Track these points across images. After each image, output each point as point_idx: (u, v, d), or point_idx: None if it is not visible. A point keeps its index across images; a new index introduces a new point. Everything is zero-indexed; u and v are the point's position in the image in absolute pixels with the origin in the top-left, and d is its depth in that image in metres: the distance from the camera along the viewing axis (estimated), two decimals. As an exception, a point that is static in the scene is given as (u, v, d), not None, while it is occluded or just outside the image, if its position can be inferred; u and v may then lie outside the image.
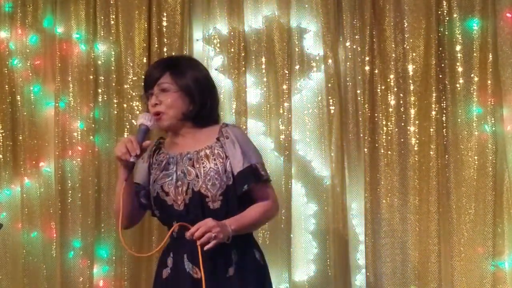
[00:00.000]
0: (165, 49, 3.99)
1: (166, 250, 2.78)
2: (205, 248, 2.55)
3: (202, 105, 2.73)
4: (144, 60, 3.99)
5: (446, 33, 3.82)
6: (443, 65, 3.81)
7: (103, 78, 4.05)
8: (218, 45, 3.98)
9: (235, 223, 2.63)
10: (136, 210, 2.82)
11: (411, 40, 3.83)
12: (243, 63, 3.91)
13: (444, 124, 3.80)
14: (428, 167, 3.78)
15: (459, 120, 3.80)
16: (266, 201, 2.73)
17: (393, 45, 3.85)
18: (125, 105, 4.01)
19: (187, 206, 2.67)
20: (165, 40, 3.99)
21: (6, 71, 4.10)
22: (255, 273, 2.71)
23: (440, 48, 3.81)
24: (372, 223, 3.81)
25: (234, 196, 2.67)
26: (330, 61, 3.87)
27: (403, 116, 3.84)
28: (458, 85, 3.80)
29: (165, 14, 4.00)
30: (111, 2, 4.03)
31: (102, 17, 4.04)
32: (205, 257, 2.58)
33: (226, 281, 2.63)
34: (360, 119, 3.87)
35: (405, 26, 3.85)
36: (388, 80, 3.86)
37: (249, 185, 2.67)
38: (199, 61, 2.95)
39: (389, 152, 3.84)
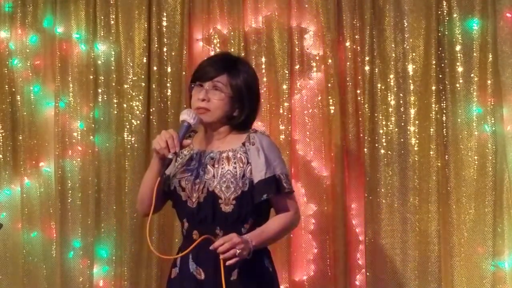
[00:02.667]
0: (165, 49, 3.99)
1: (178, 249, 2.78)
2: (227, 263, 2.53)
3: (248, 112, 2.72)
4: (144, 60, 3.99)
5: (446, 33, 3.81)
6: (443, 65, 3.81)
7: (103, 78, 4.05)
8: (218, 45, 3.97)
9: (256, 239, 2.60)
10: (161, 200, 2.80)
11: (411, 40, 3.83)
12: (243, 63, 3.91)
13: (444, 124, 3.80)
14: (428, 167, 3.78)
15: (459, 120, 3.80)
16: (287, 213, 2.70)
17: (393, 45, 3.85)
18: (125, 105, 4.01)
19: (200, 204, 2.65)
20: (165, 40, 3.99)
21: (6, 71, 4.11)
22: (261, 279, 2.68)
23: (440, 48, 3.81)
24: (372, 223, 3.81)
25: (249, 203, 2.65)
26: (330, 61, 3.87)
27: (403, 116, 3.84)
28: (458, 85, 3.80)
29: (165, 14, 4.00)
30: (111, 2, 4.03)
31: (102, 17, 4.04)
32: (209, 259, 2.58)
33: (229, 284, 2.61)
34: (360, 119, 3.86)
35: (405, 26, 3.85)
36: (388, 80, 3.85)
37: (269, 195, 2.64)
38: (251, 65, 2.88)
39: (389, 152, 3.84)
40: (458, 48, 3.80)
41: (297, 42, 3.92)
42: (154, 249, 2.70)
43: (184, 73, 3.93)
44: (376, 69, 3.85)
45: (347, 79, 3.87)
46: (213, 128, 2.74)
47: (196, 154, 2.73)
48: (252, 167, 2.65)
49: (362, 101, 3.86)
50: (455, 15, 3.80)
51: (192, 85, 2.74)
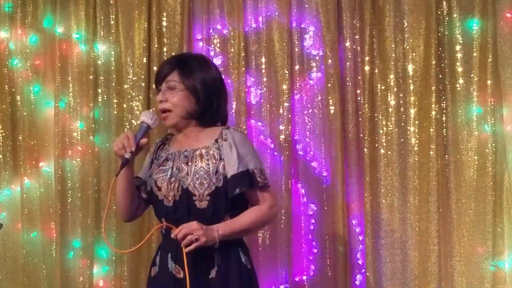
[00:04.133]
0: (165, 49, 3.99)
1: (157, 248, 2.81)
2: (186, 250, 2.56)
3: (207, 106, 2.75)
4: (144, 60, 3.99)
5: (446, 33, 3.82)
6: (443, 65, 3.82)
7: (103, 78, 4.05)
8: (218, 45, 3.98)
9: (223, 228, 2.63)
10: (136, 204, 2.83)
11: (411, 40, 3.84)
12: (243, 63, 3.92)
13: (444, 124, 3.80)
14: (428, 167, 3.79)
15: (459, 120, 3.80)
16: (260, 206, 2.73)
17: (393, 45, 3.85)
18: (125, 105, 4.01)
19: (176, 203, 2.69)
20: (165, 40, 3.99)
21: (6, 71, 4.10)
22: (239, 277, 2.69)
23: (440, 48, 3.81)
24: (372, 223, 3.81)
25: (224, 198, 2.67)
26: (330, 61, 3.87)
27: (403, 116, 3.84)
28: (458, 85, 3.80)
29: (165, 14, 4.00)
30: (111, 2, 4.03)
31: (102, 17, 4.04)
32: (188, 258, 2.59)
33: (208, 283, 2.64)
34: (360, 119, 3.87)
35: (405, 26, 3.85)
36: (388, 80, 3.86)
37: (241, 189, 2.66)
38: (211, 60, 2.93)
39: (389, 152, 3.84)
40: (458, 48, 3.81)
41: (297, 42, 3.93)
42: (110, 245, 2.75)
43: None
44: (376, 69, 3.86)
45: (347, 79, 3.87)
46: (181, 127, 2.77)
47: (171, 154, 2.77)
48: (225, 162, 2.68)
49: (362, 101, 3.86)
50: (455, 15, 3.81)
51: (156, 91, 2.81)
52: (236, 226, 2.67)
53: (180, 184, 2.68)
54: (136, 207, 2.85)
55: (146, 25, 4.01)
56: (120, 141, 2.68)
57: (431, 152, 3.79)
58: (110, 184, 3.99)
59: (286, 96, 3.89)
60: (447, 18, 3.82)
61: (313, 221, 3.91)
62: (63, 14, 4.08)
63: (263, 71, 3.93)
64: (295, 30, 3.93)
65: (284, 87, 3.90)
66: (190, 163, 2.69)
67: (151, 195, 2.77)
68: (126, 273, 3.97)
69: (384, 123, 3.85)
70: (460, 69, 3.80)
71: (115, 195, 2.80)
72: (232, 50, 3.93)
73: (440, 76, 3.81)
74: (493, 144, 3.74)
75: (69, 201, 4.03)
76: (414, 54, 3.83)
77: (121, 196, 2.78)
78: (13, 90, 4.10)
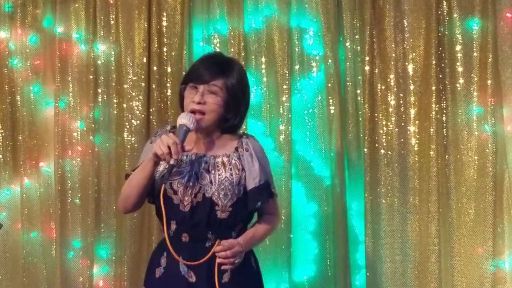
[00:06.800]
0: (165, 49, 3.99)
1: (159, 249, 2.77)
2: (222, 267, 2.60)
3: (240, 118, 2.73)
4: (144, 60, 3.99)
5: (446, 33, 3.82)
6: (443, 65, 3.81)
7: (103, 78, 4.05)
8: (218, 45, 3.97)
9: (247, 244, 2.67)
10: (144, 198, 2.78)
11: (411, 40, 3.83)
12: (243, 63, 3.91)
13: (444, 124, 3.80)
14: (428, 167, 3.78)
15: (459, 120, 3.80)
16: (273, 216, 2.77)
17: (393, 45, 3.85)
18: (125, 105, 4.01)
19: (193, 209, 2.64)
20: (165, 40, 3.99)
21: (6, 71, 4.10)
22: (250, 280, 2.72)
23: (440, 48, 3.81)
24: (372, 223, 3.81)
25: (244, 210, 2.67)
26: (330, 61, 3.87)
27: (403, 116, 3.84)
28: (458, 85, 3.80)
29: (165, 14, 4.00)
30: (111, 2, 4.03)
31: (102, 17, 4.04)
32: (202, 262, 2.61)
33: (221, 287, 2.63)
34: (360, 119, 3.87)
35: (405, 26, 3.85)
36: (388, 80, 3.86)
37: (263, 202, 2.68)
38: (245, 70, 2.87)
39: (389, 152, 3.84)
40: (458, 48, 3.80)
41: (297, 42, 3.92)
42: (179, 257, 2.66)
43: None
44: (376, 69, 3.85)
45: (347, 79, 3.87)
46: (207, 132, 2.72)
47: (185, 156, 2.70)
48: (246, 174, 2.66)
49: (362, 101, 3.86)
50: (455, 15, 3.80)
51: (184, 86, 2.73)
52: (257, 239, 2.74)
53: (201, 191, 2.64)
54: (143, 201, 2.79)
55: (146, 25, 4.00)
56: (165, 146, 2.53)
57: (431, 152, 3.79)
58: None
59: (286, 96, 3.89)
60: (447, 18, 3.81)
61: (313, 221, 3.91)
62: (63, 14, 4.08)
63: (263, 71, 3.93)
64: (295, 30, 3.93)
65: (284, 87, 3.90)
66: (212, 171, 2.65)
67: (164, 197, 2.65)
68: (126, 273, 3.98)
69: (384, 123, 3.85)
70: (460, 69, 3.80)
71: (130, 188, 2.70)
72: (232, 50, 3.93)
73: (440, 76, 3.80)
74: (493, 144, 3.74)
75: (69, 201, 4.03)
76: (414, 54, 3.83)
77: (137, 189, 2.67)
78: (13, 90, 4.10)
